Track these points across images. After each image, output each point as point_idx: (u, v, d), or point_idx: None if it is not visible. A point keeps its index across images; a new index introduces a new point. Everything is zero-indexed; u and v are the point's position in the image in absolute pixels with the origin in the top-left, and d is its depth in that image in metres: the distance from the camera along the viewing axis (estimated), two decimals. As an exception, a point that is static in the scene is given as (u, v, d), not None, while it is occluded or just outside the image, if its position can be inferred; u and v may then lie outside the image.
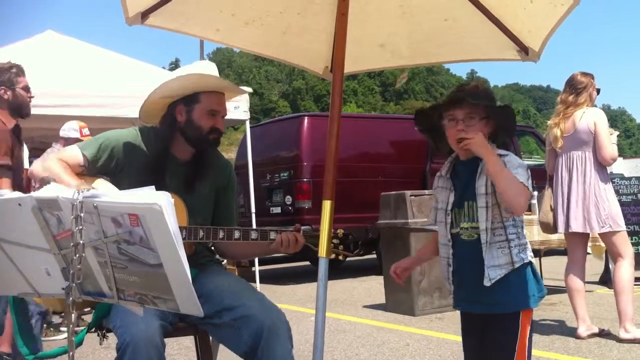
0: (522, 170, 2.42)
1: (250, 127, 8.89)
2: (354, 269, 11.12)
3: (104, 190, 1.76)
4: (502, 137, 2.60)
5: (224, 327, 2.60)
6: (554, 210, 5.24)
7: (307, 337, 5.20)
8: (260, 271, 8.09)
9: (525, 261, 2.48)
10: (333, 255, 2.73)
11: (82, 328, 2.62)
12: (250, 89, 2.90)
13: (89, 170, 2.73)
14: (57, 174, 2.58)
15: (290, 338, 2.59)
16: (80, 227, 1.70)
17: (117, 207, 1.66)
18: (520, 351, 2.47)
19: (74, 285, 1.75)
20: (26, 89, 4.26)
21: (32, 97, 4.32)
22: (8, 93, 4.13)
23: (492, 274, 2.44)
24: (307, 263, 12.03)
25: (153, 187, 1.69)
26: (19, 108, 4.20)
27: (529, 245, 2.54)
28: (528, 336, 2.49)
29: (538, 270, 2.60)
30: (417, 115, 2.75)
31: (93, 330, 2.63)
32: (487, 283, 2.45)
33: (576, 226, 5.02)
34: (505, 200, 2.41)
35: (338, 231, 2.76)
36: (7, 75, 4.16)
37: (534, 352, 2.55)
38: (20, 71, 4.23)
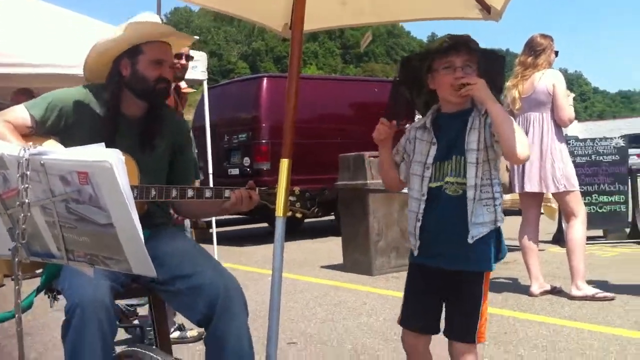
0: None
1: (208, 88, 8.74)
2: (313, 230, 11.16)
3: (52, 148, 1.69)
4: (493, 91, 2.46)
5: (178, 295, 2.54)
6: (509, 170, 5.29)
7: (264, 298, 5.14)
8: (218, 233, 8.03)
9: (502, 221, 2.47)
10: (290, 213, 2.69)
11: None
12: (196, 37, 2.85)
13: (37, 131, 2.60)
14: (2, 135, 2.44)
15: (246, 306, 2.55)
16: (27, 185, 1.63)
17: (65, 164, 1.60)
18: (484, 309, 2.49)
19: (20, 245, 1.68)
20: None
21: None
22: None
23: (475, 232, 2.41)
24: (266, 224, 12.02)
25: (103, 144, 1.62)
26: None
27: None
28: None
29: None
30: (403, 63, 2.66)
31: (43, 292, 2.56)
32: (470, 240, 2.41)
33: (531, 186, 5.09)
34: (508, 149, 2.34)
35: (294, 189, 2.71)
36: None
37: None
38: None
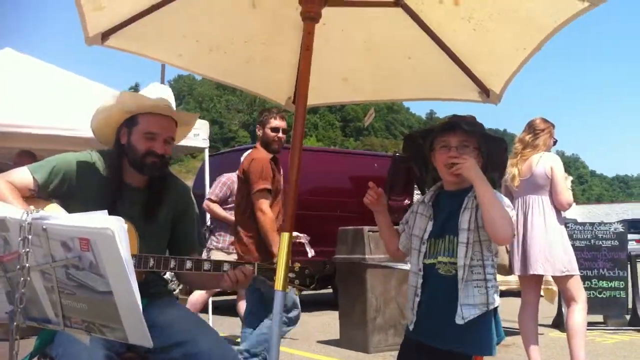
0: (507, 204, 2.43)
1: (209, 156, 8.81)
2: (309, 303, 11.02)
3: (55, 213, 1.70)
4: (491, 172, 2.53)
5: None
6: (509, 252, 5.28)
7: (258, 372, 5.09)
8: (213, 302, 7.94)
9: (496, 304, 2.45)
10: (288, 290, 2.68)
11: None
12: (197, 114, 2.91)
13: (39, 193, 2.60)
14: (3, 196, 2.44)
15: None
16: (28, 249, 1.63)
17: (67, 230, 1.61)
18: None
19: (18, 310, 1.67)
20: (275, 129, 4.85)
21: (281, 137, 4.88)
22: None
23: (466, 313, 2.39)
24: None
25: (106, 211, 1.63)
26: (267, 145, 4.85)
27: (498, 289, 2.50)
28: None
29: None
30: (406, 140, 2.73)
31: (37, 358, 2.52)
32: (459, 321, 2.39)
33: (535, 269, 5.05)
34: (492, 229, 2.36)
35: (295, 265, 2.71)
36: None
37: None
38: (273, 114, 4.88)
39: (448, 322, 2.41)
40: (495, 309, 2.47)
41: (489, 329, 2.45)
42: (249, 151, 5.19)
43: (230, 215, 6.22)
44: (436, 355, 2.48)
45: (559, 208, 5.10)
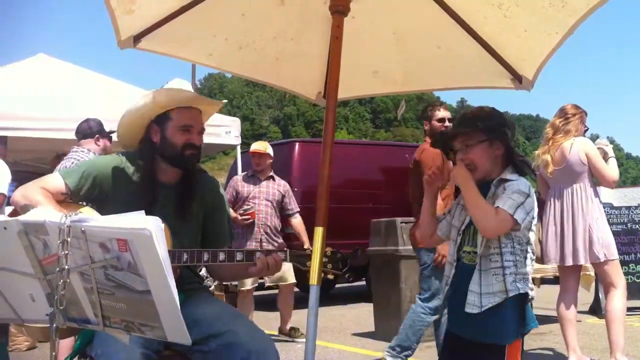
0: (517, 196, 2.41)
1: (241, 152, 8.86)
2: (344, 296, 11.04)
3: (92, 215, 1.72)
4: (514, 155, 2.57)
5: (211, 354, 2.54)
6: (542, 242, 5.22)
7: (295, 366, 5.12)
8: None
9: (520, 291, 2.43)
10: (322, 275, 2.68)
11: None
12: (224, 101, 2.94)
13: (72, 198, 2.65)
14: (38, 202, 2.48)
15: None
16: (67, 252, 1.66)
17: (105, 232, 1.63)
18: None
19: (58, 311, 1.70)
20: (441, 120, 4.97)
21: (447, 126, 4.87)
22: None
23: (485, 301, 2.41)
24: (296, 289, 11.92)
25: (143, 212, 1.65)
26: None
27: (529, 277, 2.49)
28: None
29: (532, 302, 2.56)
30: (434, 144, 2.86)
31: (77, 358, 2.56)
32: (468, 309, 2.44)
33: (570, 260, 4.98)
34: (478, 226, 2.45)
35: (326, 249, 2.71)
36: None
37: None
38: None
39: (471, 311, 2.46)
40: (524, 296, 2.46)
41: (511, 317, 2.45)
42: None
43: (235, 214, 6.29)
44: (470, 345, 2.50)
45: (607, 186, 5.08)
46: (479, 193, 2.48)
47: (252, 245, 6.27)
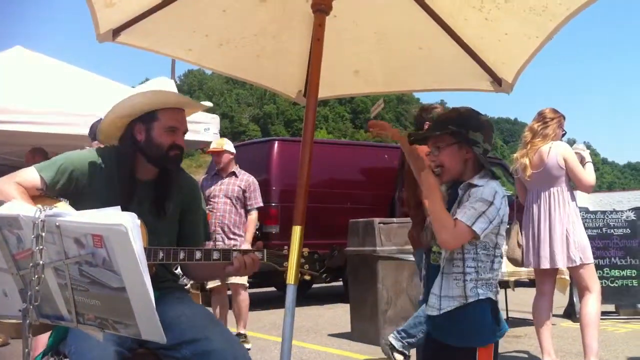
0: (480, 205, 2.41)
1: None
2: (320, 296, 11.04)
3: (68, 210, 1.70)
4: (484, 144, 2.55)
5: None
6: (521, 246, 5.25)
7: (271, 365, 5.10)
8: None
9: (480, 297, 2.43)
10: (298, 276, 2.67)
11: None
12: (210, 104, 2.88)
13: (47, 193, 2.60)
14: (11, 197, 2.43)
15: None
16: (41, 247, 1.63)
17: (80, 227, 1.60)
18: None
19: (31, 307, 1.67)
20: None
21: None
22: None
23: (444, 304, 2.44)
24: (273, 289, 11.91)
25: (119, 207, 1.63)
26: None
27: (492, 281, 2.49)
28: None
29: (500, 307, 2.57)
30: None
31: (49, 355, 2.53)
32: (428, 311, 2.49)
33: (547, 263, 5.01)
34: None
35: (304, 249, 2.70)
36: None
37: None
38: None
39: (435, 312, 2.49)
40: (489, 301, 2.47)
41: (474, 321, 2.45)
42: None
43: None
44: (445, 346, 2.51)
45: (584, 191, 5.11)
46: (441, 203, 2.49)
47: (210, 244, 6.22)
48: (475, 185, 2.47)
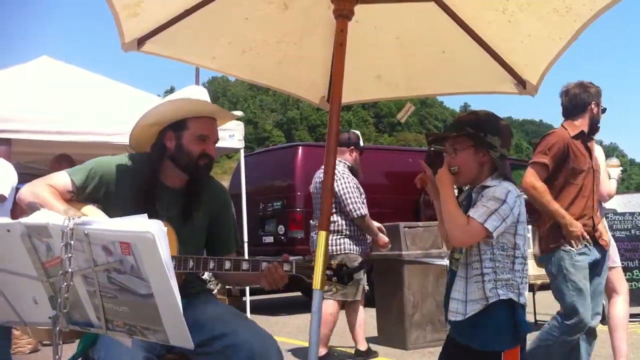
0: (492, 203, 2.41)
1: (245, 156, 8.87)
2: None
3: (96, 218, 1.72)
4: (500, 149, 2.54)
5: (214, 355, 2.56)
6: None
7: (297, 370, 5.11)
8: (251, 301, 7.99)
9: (501, 297, 2.42)
10: (326, 288, 2.68)
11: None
12: (241, 113, 2.90)
13: (78, 196, 2.65)
14: (45, 199, 2.48)
15: None
16: (70, 254, 1.65)
17: (108, 235, 1.62)
18: None
19: (61, 314, 1.70)
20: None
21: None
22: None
23: (469, 309, 2.44)
24: (299, 293, 11.92)
25: (146, 215, 1.65)
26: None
27: (513, 282, 2.46)
28: None
29: (525, 308, 2.54)
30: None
31: (79, 360, 2.57)
32: (451, 317, 2.49)
33: None
34: (448, 234, 2.49)
35: (332, 262, 2.71)
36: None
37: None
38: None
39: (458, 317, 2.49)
40: (511, 302, 2.45)
41: (496, 323, 2.44)
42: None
43: None
44: (468, 350, 2.50)
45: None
46: (455, 202, 2.50)
47: None
48: (488, 186, 2.47)
